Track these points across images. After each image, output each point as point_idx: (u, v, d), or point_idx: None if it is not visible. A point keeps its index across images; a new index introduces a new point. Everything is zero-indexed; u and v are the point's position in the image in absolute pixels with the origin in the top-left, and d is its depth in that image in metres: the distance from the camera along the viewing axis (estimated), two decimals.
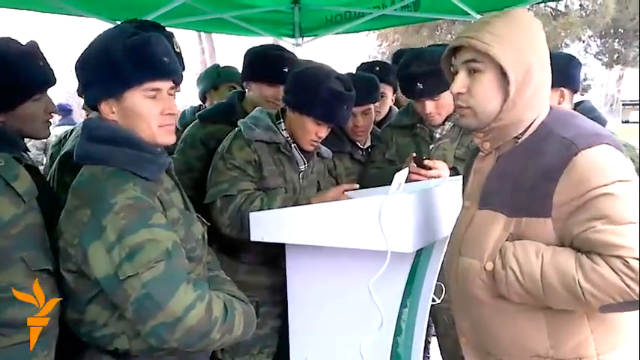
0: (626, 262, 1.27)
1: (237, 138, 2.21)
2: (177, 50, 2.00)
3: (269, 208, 2.08)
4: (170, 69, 1.54)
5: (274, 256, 2.18)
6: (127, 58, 1.47)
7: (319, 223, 1.83)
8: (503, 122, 1.48)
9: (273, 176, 2.22)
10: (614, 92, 25.43)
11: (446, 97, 2.35)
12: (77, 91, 1.69)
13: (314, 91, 2.12)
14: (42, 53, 1.77)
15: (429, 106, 2.42)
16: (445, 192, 1.92)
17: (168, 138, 1.57)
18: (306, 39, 5.08)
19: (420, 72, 2.35)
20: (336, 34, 5.02)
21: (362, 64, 3.26)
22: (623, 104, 22.91)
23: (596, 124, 1.49)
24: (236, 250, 2.26)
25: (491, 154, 1.56)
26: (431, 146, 2.50)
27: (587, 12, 19.23)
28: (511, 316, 1.48)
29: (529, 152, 1.45)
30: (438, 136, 2.51)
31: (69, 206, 1.50)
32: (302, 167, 2.31)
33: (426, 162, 2.25)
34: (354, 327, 1.91)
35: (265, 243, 2.00)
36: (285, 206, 2.07)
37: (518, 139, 1.50)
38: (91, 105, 1.57)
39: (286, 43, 5.22)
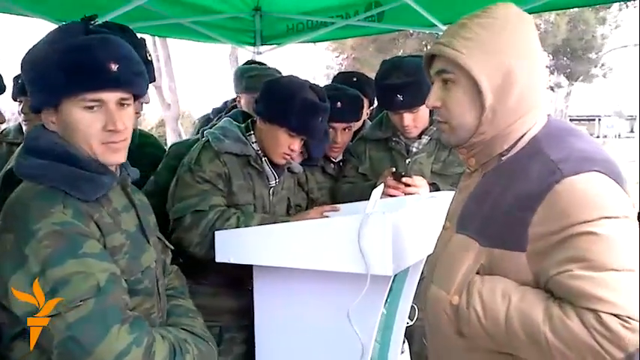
0: (600, 317, 1.08)
1: (206, 149, 2.06)
2: (150, 59, 1.84)
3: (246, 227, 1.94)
4: (118, 78, 1.32)
5: (239, 277, 2.04)
6: (61, 64, 1.27)
7: (292, 244, 1.70)
8: (485, 136, 1.30)
9: (242, 191, 2.08)
10: (562, 107, 26.29)
11: (423, 110, 2.29)
12: (12, 94, 1.50)
13: (288, 102, 2.02)
14: None
15: (407, 118, 2.33)
16: (425, 210, 1.82)
17: (112, 157, 1.37)
18: (266, 47, 4.95)
19: (399, 83, 2.26)
20: (298, 43, 4.90)
21: (339, 74, 3.19)
22: (570, 119, 23.72)
23: (598, 146, 1.28)
24: (196, 271, 2.09)
25: (477, 171, 1.40)
26: (407, 160, 2.41)
27: (540, 31, 19.84)
28: (479, 357, 1.30)
29: (511, 172, 1.26)
30: (414, 150, 2.42)
31: None
32: (272, 183, 2.18)
33: (405, 178, 2.14)
34: (328, 354, 1.78)
35: (228, 264, 1.86)
36: None
37: (503, 155, 1.31)
38: (35, 111, 1.39)
39: (246, 51, 5.09)
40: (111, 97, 1.33)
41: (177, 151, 2.39)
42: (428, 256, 1.57)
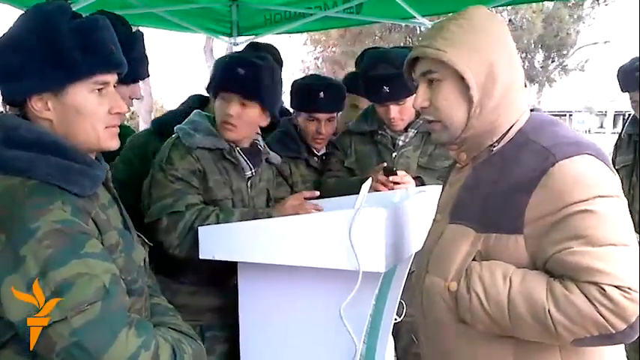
0: (603, 289, 1.12)
1: (176, 146, 1.97)
2: (146, 54, 1.76)
3: None
4: (118, 59, 1.29)
5: (220, 275, 1.97)
6: (76, 44, 1.20)
7: (280, 240, 1.64)
8: (475, 130, 1.35)
9: (219, 186, 2.00)
10: (535, 103, 26.74)
11: (410, 101, 2.22)
12: None
13: (221, 66, 2.03)
14: None
15: (393, 110, 2.29)
16: (415, 205, 1.77)
17: (112, 142, 1.31)
18: (243, 38, 4.85)
19: (386, 75, 2.22)
20: (276, 34, 4.82)
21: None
22: None
23: (579, 133, 1.36)
24: (176, 269, 2.01)
25: (468, 165, 1.44)
26: (394, 154, 2.37)
27: (516, 27, 20.06)
28: (476, 343, 1.32)
29: (503, 162, 1.32)
30: (401, 143, 2.38)
31: None
32: (248, 173, 2.10)
33: (393, 177, 2.10)
34: (316, 353, 1.73)
35: (210, 260, 1.79)
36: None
37: (493, 147, 1.37)
38: (15, 100, 1.27)
39: (222, 42, 4.99)
40: (113, 79, 1.29)
41: (134, 141, 2.32)
42: (419, 251, 1.54)
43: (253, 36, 4.85)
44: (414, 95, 1.43)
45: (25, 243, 1.11)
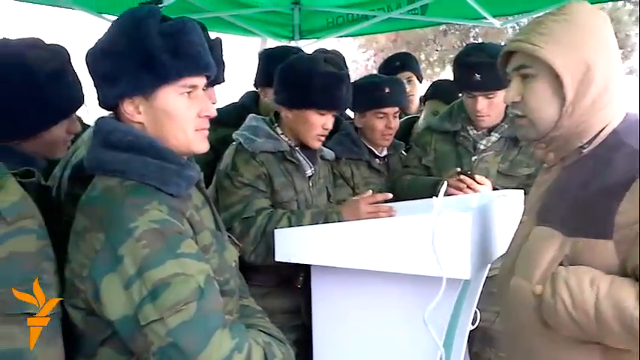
0: None
1: (240, 152, 2.00)
2: (223, 60, 1.79)
3: None
4: (207, 62, 1.29)
5: (288, 276, 1.99)
6: (165, 47, 1.22)
7: (357, 244, 1.61)
8: (565, 130, 1.31)
9: (284, 189, 2.02)
10: None
11: (499, 97, 2.21)
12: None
13: (308, 81, 1.97)
14: (71, 65, 1.47)
15: (482, 102, 2.25)
16: (497, 209, 1.71)
17: (203, 145, 1.32)
18: (305, 42, 4.86)
19: (479, 62, 2.19)
20: (338, 37, 4.80)
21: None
22: None
23: None
24: (247, 270, 2.02)
25: (556, 165, 1.40)
26: (474, 158, 2.31)
27: None
28: (563, 347, 1.27)
29: (594, 164, 1.28)
30: (482, 147, 2.32)
31: (77, 227, 1.21)
32: (309, 172, 2.12)
33: (477, 178, 2.06)
34: (392, 359, 1.68)
35: (280, 262, 1.79)
36: (316, 223, 1.84)
37: (583, 148, 1.32)
38: (110, 104, 1.30)
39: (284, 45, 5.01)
40: (202, 82, 1.30)
41: None
42: (505, 253, 1.50)
43: (315, 39, 4.86)
44: (504, 90, 1.40)
45: (124, 242, 1.13)
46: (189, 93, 1.27)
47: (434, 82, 3.36)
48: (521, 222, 1.45)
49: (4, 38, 1.43)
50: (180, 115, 1.26)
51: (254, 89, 2.73)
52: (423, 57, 16.45)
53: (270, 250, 1.83)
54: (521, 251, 1.36)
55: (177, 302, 1.12)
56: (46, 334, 1.18)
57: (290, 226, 1.87)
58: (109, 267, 1.13)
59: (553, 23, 1.29)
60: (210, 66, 1.30)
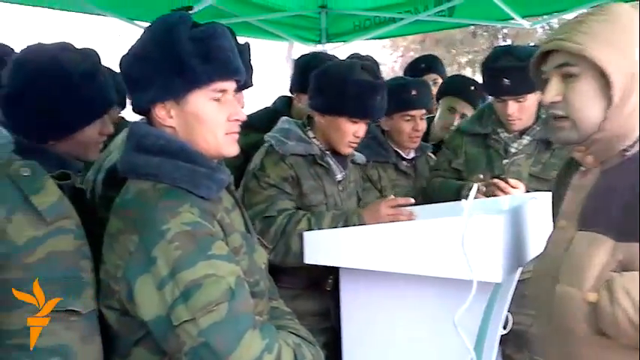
0: None
1: (270, 154, 2.02)
2: (251, 64, 1.81)
3: (318, 229, 1.86)
4: (237, 67, 1.31)
5: (317, 278, 2.00)
6: (195, 52, 1.23)
7: (387, 247, 1.61)
8: (608, 132, 1.26)
9: (313, 192, 2.02)
10: None
11: (530, 100, 2.17)
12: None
13: (341, 88, 1.96)
14: (102, 66, 1.50)
15: (512, 106, 2.21)
16: (528, 212, 1.69)
17: (233, 148, 1.34)
18: (331, 45, 4.88)
19: (508, 66, 2.16)
20: (365, 40, 4.81)
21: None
22: None
23: None
24: (276, 273, 2.03)
25: (594, 169, 1.35)
26: (505, 161, 2.28)
27: None
28: (615, 355, 1.24)
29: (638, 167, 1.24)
30: (513, 150, 2.29)
31: (111, 229, 1.25)
32: (339, 176, 2.12)
33: (511, 182, 2.04)
34: None
35: (306, 265, 1.80)
36: (336, 226, 1.85)
37: (626, 151, 1.28)
38: (142, 109, 1.33)
39: (311, 48, 5.02)
40: (232, 86, 1.31)
41: None
42: (539, 260, 1.45)
43: (342, 42, 4.87)
44: (535, 94, 1.36)
45: (157, 244, 1.15)
46: (219, 97, 1.29)
47: (445, 79, 3.34)
48: (558, 227, 1.40)
49: (39, 43, 1.47)
50: (211, 119, 1.28)
51: (286, 94, 2.74)
52: (449, 59, 16.26)
53: (289, 251, 1.85)
54: (565, 257, 1.32)
55: (209, 303, 1.13)
56: (86, 331, 1.22)
57: (310, 228, 1.88)
58: (142, 268, 1.16)
59: (596, 23, 1.25)
60: (239, 70, 1.32)
